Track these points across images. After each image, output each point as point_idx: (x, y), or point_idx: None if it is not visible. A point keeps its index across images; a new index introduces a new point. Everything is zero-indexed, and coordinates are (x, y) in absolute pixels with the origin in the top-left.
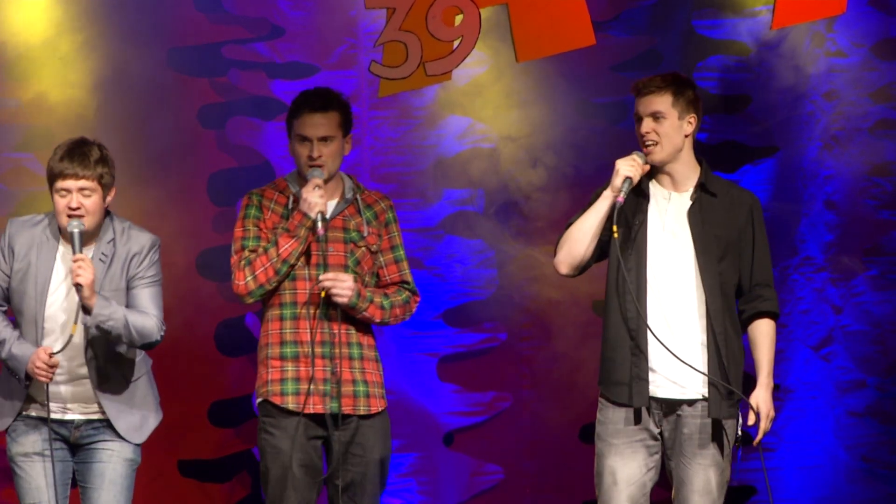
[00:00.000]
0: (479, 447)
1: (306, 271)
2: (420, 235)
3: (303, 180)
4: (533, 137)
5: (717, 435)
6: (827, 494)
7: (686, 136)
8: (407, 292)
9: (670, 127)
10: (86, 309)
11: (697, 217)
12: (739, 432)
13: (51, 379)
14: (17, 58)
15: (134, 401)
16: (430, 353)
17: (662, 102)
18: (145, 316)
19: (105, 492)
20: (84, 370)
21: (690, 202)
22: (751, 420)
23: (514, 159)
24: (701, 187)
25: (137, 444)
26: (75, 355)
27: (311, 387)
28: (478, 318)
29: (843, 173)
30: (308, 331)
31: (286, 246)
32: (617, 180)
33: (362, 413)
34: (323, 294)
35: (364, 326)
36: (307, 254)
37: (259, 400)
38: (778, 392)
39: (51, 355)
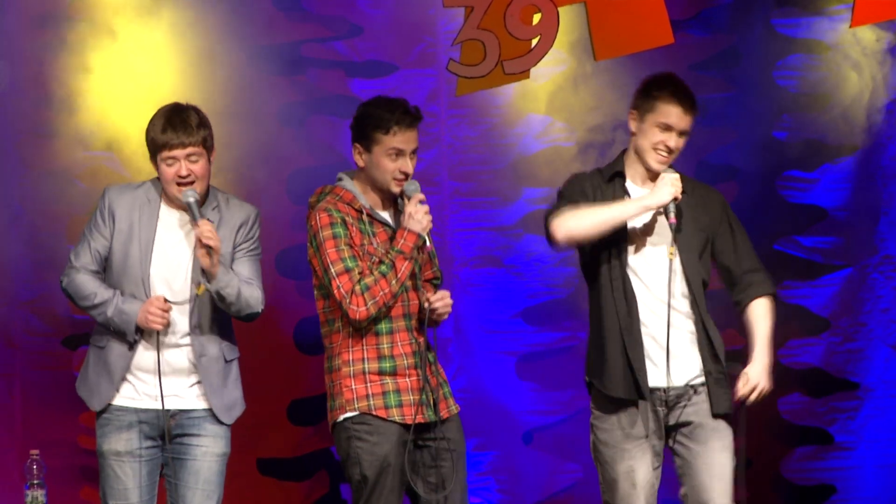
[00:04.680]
0: (558, 446)
1: None
2: (499, 234)
3: (369, 191)
4: (612, 136)
5: (724, 419)
6: None
7: None
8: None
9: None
10: (206, 273)
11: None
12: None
13: (164, 326)
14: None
15: (228, 381)
16: (508, 351)
17: (691, 121)
18: (251, 286)
19: (200, 492)
20: (186, 340)
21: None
22: (740, 389)
23: (593, 158)
24: None
25: (228, 427)
26: (179, 324)
27: (421, 397)
28: (557, 316)
29: None
30: (401, 343)
31: (403, 269)
32: (668, 198)
33: (454, 412)
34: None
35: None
36: None
37: (354, 414)
38: (857, 391)
39: (165, 300)
